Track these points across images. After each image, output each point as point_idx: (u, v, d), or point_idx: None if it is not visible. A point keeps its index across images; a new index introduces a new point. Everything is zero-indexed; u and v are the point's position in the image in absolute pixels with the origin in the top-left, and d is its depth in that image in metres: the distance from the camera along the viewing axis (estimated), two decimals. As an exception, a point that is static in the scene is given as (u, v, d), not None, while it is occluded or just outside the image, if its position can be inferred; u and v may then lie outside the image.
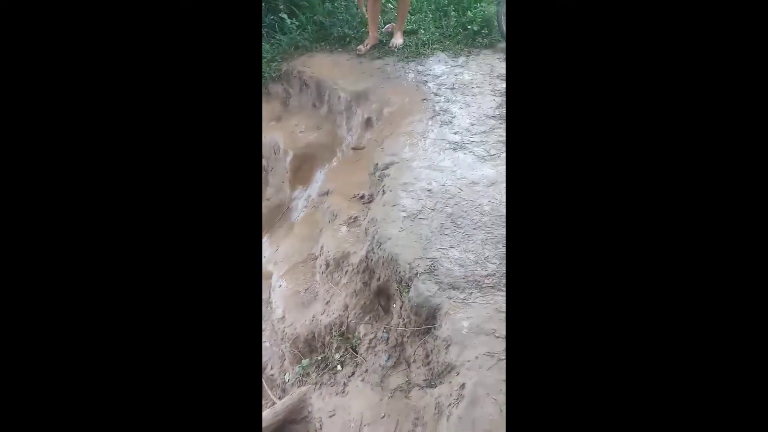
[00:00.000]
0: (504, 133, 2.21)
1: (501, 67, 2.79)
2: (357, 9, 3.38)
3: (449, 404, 1.32)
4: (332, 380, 1.73)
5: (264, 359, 2.20)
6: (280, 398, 1.89)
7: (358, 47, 3.07)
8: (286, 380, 1.99)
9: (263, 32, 3.25)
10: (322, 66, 3.03)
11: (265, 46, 3.19)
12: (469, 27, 3.03)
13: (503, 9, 2.90)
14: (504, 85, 2.60)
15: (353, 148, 2.69)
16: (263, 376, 2.13)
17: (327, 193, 2.52)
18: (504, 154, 2.07)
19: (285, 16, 3.22)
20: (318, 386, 1.74)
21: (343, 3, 3.37)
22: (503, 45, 2.97)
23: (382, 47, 3.06)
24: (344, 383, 1.68)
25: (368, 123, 2.70)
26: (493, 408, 1.24)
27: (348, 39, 3.18)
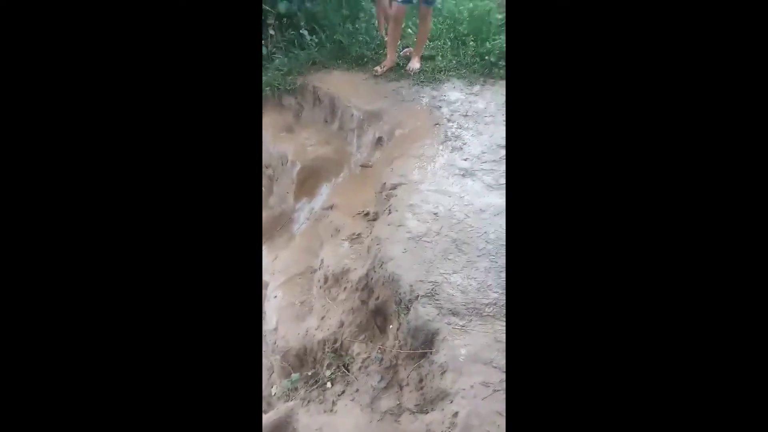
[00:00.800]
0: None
1: (513, 100, 2.84)
2: (377, 32, 3.46)
3: (440, 432, 1.29)
4: (321, 397, 1.69)
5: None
6: (264, 411, 1.84)
7: (375, 68, 3.13)
8: (273, 393, 1.95)
9: (281, 46, 3.32)
10: (338, 83, 3.08)
11: (283, 59, 3.25)
12: (486, 57, 3.09)
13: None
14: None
15: (361, 166, 2.70)
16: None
17: (331, 208, 2.52)
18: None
19: (305, 32, 3.29)
20: (306, 402, 1.70)
21: (363, 25, 3.45)
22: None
23: (399, 70, 3.11)
24: (333, 401, 1.64)
25: (378, 142, 2.72)
26: (486, 441, 1.21)
27: (365, 59, 3.24)
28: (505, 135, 2.42)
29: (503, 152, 2.30)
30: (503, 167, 2.19)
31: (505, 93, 2.83)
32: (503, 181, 2.10)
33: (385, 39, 3.21)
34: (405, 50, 3.28)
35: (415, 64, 3.09)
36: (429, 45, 3.26)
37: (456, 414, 1.29)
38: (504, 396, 1.29)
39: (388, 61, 3.11)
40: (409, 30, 3.47)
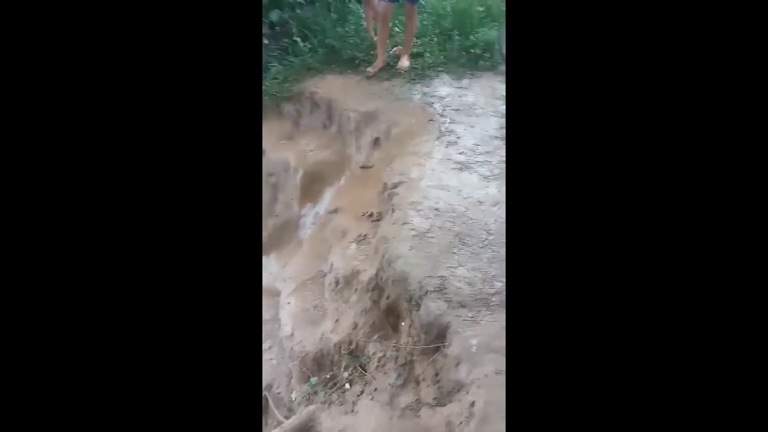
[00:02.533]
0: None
1: (502, 89, 2.85)
2: (366, 33, 3.48)
3: (459, 423, 1.32)
4: (341, 399, 1.73)
5: (270, 377, 2.20)
6: (286, 417, 1.89)
7: (367, 69, 3.15)
8: (293, 399, 1.99)
9: (276, 54, 3.35)
10: (333, 87, 3.11)
11: (278, 67, 3.28)
12: (472, 50, 3.11)
13: (503, 33, 2.98)
14: (504, 107, 2.65)
15: (362, 167, 2.73)
16: (270, 394, 2.13)
17: (336, 211, 2.56)
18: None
19: (298, 39, 3.32)
20: (327, 405, 1.74)
21: (353, 27, 3.47)
22: (504, 68, 3.04)
23: (390, 69, 3.14)
24: (353, 402, 1.69)
25: (376, 143, 2.75)
26: (504, 426, 1.24)
27: (357, 61, 3.27)
28: (503, 128, 2.43)
29: (496, 143, 2.32)
30: (497, 158, 2.21)
31: (500, 85, 2.85)
32: (498, 171, 2.13)
33: (375, 39, 3.24)
34: (394, 49, 3.30)
35: (404, 62, 3.11)
36: (417, 42, 3.28)
37: (473, 404, 1.32)
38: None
39: (379, 61, 3.13)
40: (396, 29, 3.49)
